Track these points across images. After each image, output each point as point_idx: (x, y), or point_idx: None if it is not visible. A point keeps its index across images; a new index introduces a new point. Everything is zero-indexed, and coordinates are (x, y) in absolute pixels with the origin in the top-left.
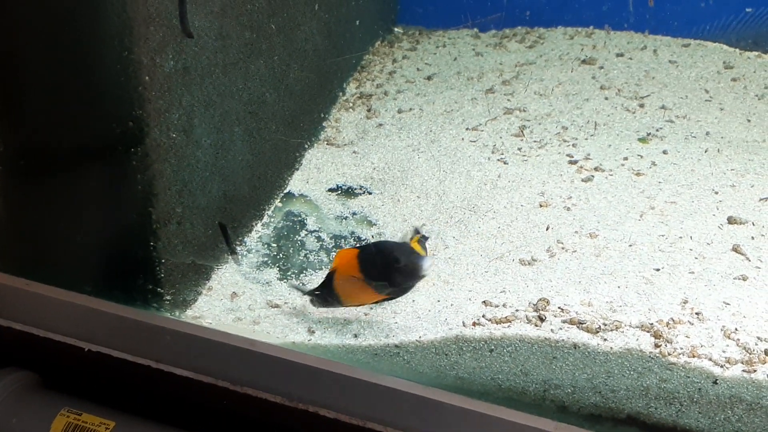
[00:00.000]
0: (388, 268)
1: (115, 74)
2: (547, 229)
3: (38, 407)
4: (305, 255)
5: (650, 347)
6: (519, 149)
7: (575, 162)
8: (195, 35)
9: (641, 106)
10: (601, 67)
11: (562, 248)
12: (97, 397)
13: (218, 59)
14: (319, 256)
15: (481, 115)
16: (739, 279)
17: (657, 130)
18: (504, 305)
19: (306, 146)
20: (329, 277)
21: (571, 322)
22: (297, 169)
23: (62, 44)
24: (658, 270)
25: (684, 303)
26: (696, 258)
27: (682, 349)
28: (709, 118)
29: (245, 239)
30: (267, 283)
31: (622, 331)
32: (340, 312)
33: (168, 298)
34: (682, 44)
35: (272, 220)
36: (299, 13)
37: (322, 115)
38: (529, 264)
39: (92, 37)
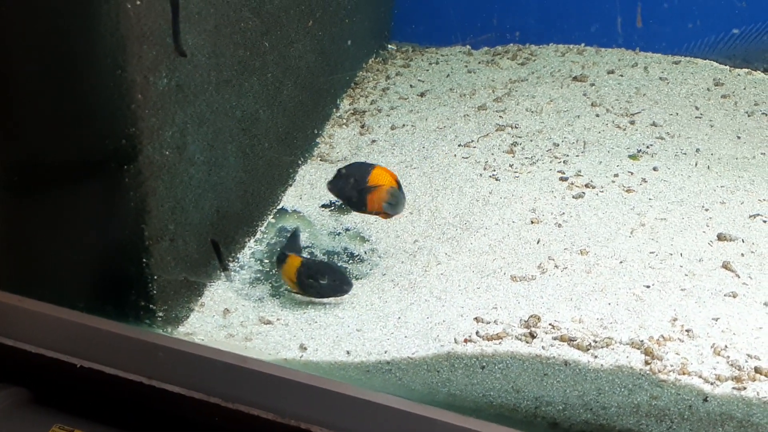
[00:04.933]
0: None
1: (108, 92)
2: (537, 242)
3: (29, 424)
4: None
5: (640, 364)
6: (510, 166)
7: (566, 179)
8: (188, 53)
9: (632, 122)
10: (593, 84)
11: (554, 265)
12: (88, 414)
13: (211, 77)
14: None
15: (473, 132)
16: (729, 296)
17: (647, 147)
18: (495, 322)
19: (299, 162)
20: None
21: (562, 338)
22: (290, 186)
23: (55, 62)
24: (648, 287)
25: (674, 320)
26: (686, 275)
27: (672, 366)
28: (699, 134)
29: (238, 256)
30: (259, 299)
31: (613, 348)
32: None
33: (160, 314)
34: (672, 61)
35: (265, 236)
36: (292, 30)
37: (316, 132)
38: (520, 280)
39: (85, 55)
